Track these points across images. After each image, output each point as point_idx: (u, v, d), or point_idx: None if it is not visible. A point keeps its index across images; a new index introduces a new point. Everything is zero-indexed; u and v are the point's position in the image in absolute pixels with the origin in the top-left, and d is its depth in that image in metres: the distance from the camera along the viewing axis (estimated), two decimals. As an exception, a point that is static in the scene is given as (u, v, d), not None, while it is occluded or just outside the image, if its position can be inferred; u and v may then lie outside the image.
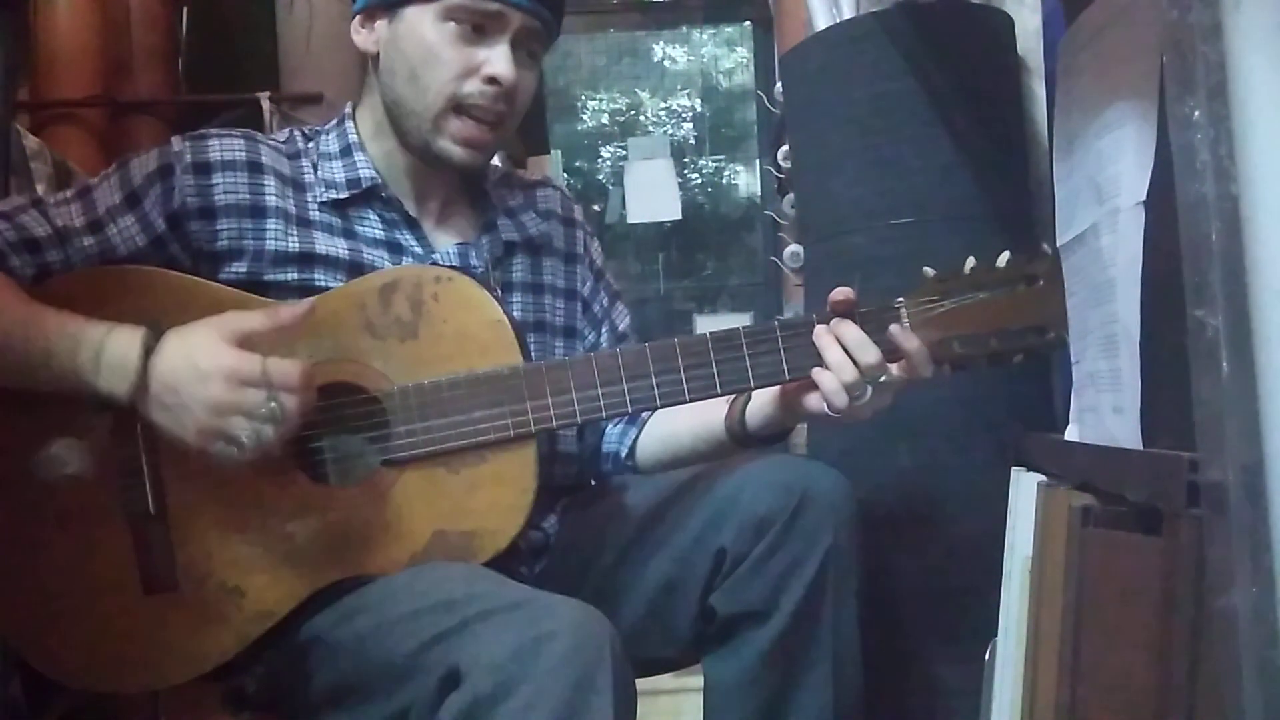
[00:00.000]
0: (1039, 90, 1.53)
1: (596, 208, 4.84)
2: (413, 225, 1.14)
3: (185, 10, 2.60)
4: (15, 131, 1.65)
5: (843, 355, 1.00)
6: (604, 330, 1.27)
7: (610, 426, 1.25)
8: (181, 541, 1.00)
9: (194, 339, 0.94)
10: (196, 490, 0.99)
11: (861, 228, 1.43)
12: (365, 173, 1.12)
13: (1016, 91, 1.52)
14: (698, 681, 1.08)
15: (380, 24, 1.11)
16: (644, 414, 1.24)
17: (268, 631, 1.00)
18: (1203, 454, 0.66)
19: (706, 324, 3.99)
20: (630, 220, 4.01)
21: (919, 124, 1.40)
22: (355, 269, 1.09)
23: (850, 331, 1.01)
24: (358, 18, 1.13)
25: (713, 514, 1.05)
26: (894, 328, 1.02)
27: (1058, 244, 1.07)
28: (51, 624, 1.00)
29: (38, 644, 1.01)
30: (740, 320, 3.82)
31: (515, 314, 1.18)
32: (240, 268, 1.07)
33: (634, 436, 1.24)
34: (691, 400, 1.04)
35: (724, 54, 5.10)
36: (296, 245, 1.08)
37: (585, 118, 5.21)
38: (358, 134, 1.15)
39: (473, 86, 1.07)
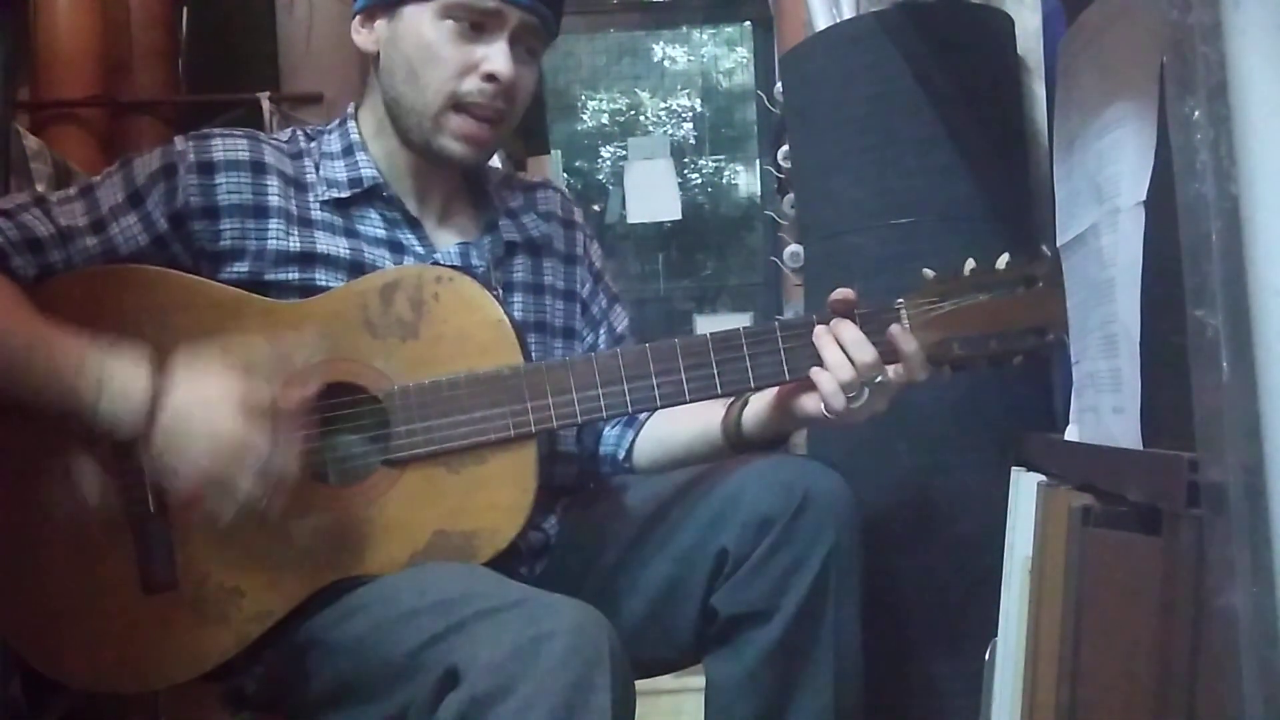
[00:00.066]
0: (1039, 90, 1.53)
1: (596, 208, 4.84)
2: (414, 225, 1.14)
3: (185, 10, 2.60)
4: (15, 131, 1.65)
5: (841, 355, 1.01)
6: (602, 331, 1.27)
7: (608, 429, 1.26)
8: (181, 541, 1.00)
9: (204, 381, 0.93)
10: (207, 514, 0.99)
11: (861, 228, 1.43)
12: (367, 172, 1.13)
13: (1016, 91, 1.52)
14: (698, 681, 1.08)
15: (380, 23, 1.11)
16: (641, 416, 1.24)
17: (267, 631, 1.00)
18: (1203, 454, 0.66)
19: (706, 324, 4.00)
20: (630, 220, 4.01)
21: (919, 124, 1.40)
22: (356, 268, 1.09)
23: (848, 331, 1.01)
24: (358, 18, 1.13)
25: (714, 514, 1.05)
26: (894, 328, 1.02)
27: (1058, 244, 1.07)
28: (51, 624, 1.00)
29: (38, 644, 1.01)
30: (740, 320, 3.82)
31: (516, 314, 1.18)
32: (242, 267, 1.07)
33: (631, 439, 1.24)
34: (692, 400, 1.04)
35: (724, 54, 5.10)
36: (298, 245, 1.08)
37: (585, 118, 5.21)
38: (360, 134, 1.15)
39: (471, 84, 1.07)
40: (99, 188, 1.07)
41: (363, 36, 1.13)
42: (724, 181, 5.13)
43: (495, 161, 1.25)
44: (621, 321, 1.29)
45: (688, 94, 5.16)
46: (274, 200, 1.08)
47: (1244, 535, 0.61)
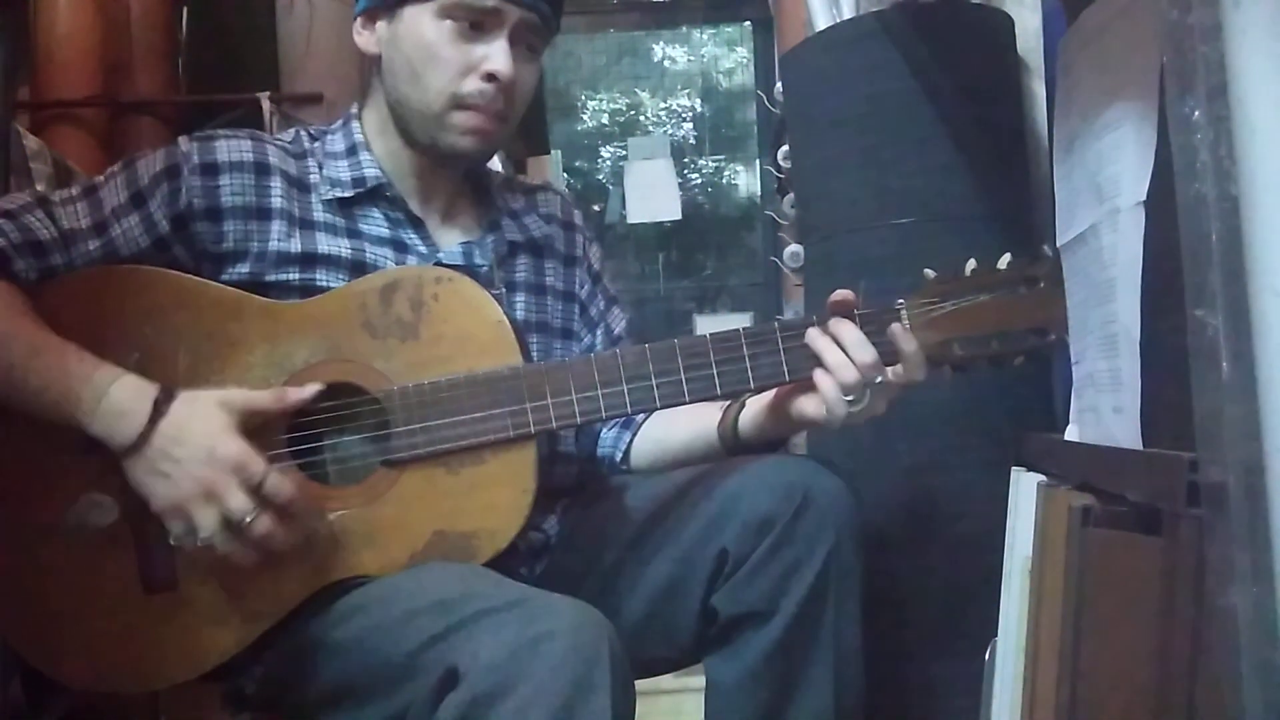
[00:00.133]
0: (1039, 90, 1.53)
1: (596, 208, 4.84)
2: (417, 224, 1.14)
3: (185, 10, 2.60)
4: (15, 131, 1.65)
5: (842, 356, 1.00)
6: (600, 332, 1.27)
7: (605, 430, 1.26)
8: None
9: (205, 412, 0.94)
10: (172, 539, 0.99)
11: (861, 228, 1.43)
12: (370, 172, 1.13)
13: (1016, 91, 1.52)
14: (698, 681, 1.08)
15: (381, 25, 1.11)
16: (639, 418, 1.24)
17: (267, 632, 1.00)
18: (1203, 454, 0.66)
19: (706, 324, 3.99)
20: (630, 220, 4.01)
21: (919, 124, 1.40)
22: (358, 268, 1.09)
23: (848, 332, 1.01)
24: (359, 20, 1.13)
25: (714, 515, 1.05)
26: (894, 327, 1.02)
27: (1058, 244, 1.07)
28: (52, 624, 1.00)
29: (38, 644, 1.01)
30: (740, 320, 3.82)
31: (518, 314, 1.18)
32: (243, 269, 1.07)
33: (628, 440, 1.24)
34: (691, 401, 1.04)
35: (724, 54, 5.10)
36: (299, 246, 1.08)
37: (585, 118, 5.21)
38: (363, 134, 1.15)
39: (473, 85, 1.07)
40: (102, 188, 1.07)
41: (364, 38, 1.13)
42: (724, 181, 5.13)
43: (496, 164, 1.25)
44: (620, 323, 1.29)
45: (688, 94, 5.16)
46: (277, 202, 1.08)
47: (1244, 535, 0.61)
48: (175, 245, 1.06)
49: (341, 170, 1.13)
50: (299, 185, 1.11)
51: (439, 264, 1.11)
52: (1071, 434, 1.07)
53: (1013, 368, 1.07)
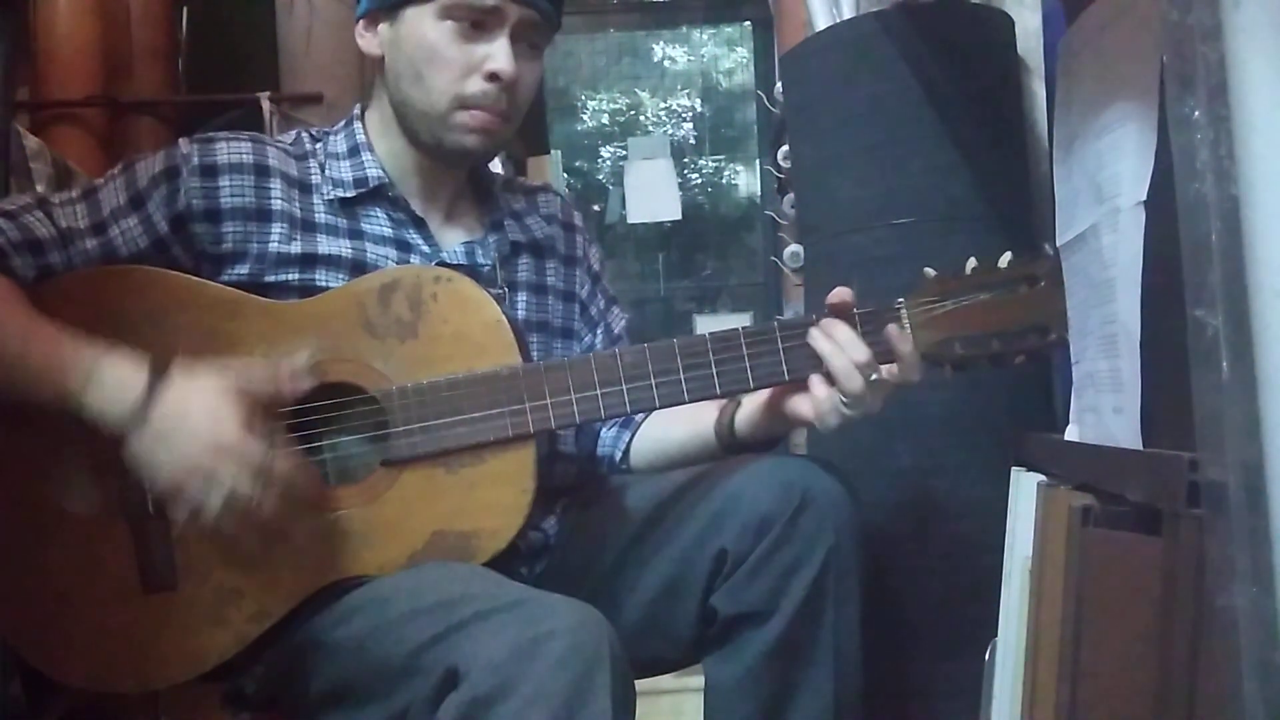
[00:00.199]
0: (1039, 90, 1.53)
1: (596, 208, 4.84)
2: (419, 224, 1.14)
3: (185, 10, 2.60)
4: (15, 131, 1.65)
5: (844, 359, 1.00)
6: (599, 332, 1.28)
7: (604, 430, 1.26)
8: (181, 541, 1.00)
9: (201, 386, 0.94)
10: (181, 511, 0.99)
11: (861, 228, 1.43)
12: (372, 172, 1.13)
13: (1016, 91, 1.52)
14: (698, 681, 1.08)
15: (383, 27, 1.12)
16: (638, 417, 1.25)
17: (267, 632, 1.00)
18: (1203, 454, 0.65)
19: (706, 324, 3.99)
20: (630, 220, 4.01)
21: (919, 124, 1.40)
22: (359, 268, 1.09)
23: (841, 330, 1.01)
24: (361, 22, 1.13)
25: (714, 514, 1.05)
26: (890, 328, 1.02)
27: (1058, 244, 1.07)
28: (51, 623, 1.00)
29: (37, 643, 1.01)
30: (740, 320, 3.82)
31: (520, 314, 1.18)
32: (242, 269, 1.07)
33: (628, 440, 1.25)
34: (690, 401, 1.04)
35: (724, 54, 5.10)
36: (300, 248, 1.08)
37: (585, 118, 5.21)
38: (365, 134, 1.15)
39: (475, 85, 1.07)
40: (101, 190, 1.07)
41: (366, 40, 1.13)
42: (724, 181, 5.13)
43: (496, 164, 1.25)
44: (619, 323, 1.30)
45: (688, 94, 5.16)
46: (277, 204, 1.08)
47: (1244, 535, 0.61)
48: (174, 246, 1.06)
49: (344, 171, 1.13)
50: (300, 186, 1.11)
51: (442, 263, 1.11)
52: (1071, 434, 1.07)
53: (1013, 367, 1.07)
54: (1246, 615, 0.60)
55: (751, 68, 4.52)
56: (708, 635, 1.06)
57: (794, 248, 2.28)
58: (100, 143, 2.28)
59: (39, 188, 1.68)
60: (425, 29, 1.07)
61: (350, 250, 1.10)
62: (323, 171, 1.13)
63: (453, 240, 1.16)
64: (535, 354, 1.14)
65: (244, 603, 0.99)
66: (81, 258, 1.04)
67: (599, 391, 1.02)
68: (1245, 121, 0.61)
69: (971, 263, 1.05)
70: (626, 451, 1.25)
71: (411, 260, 1.11)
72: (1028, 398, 1.37)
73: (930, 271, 1.05)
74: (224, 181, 1.07)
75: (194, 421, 0.92)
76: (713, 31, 4.99)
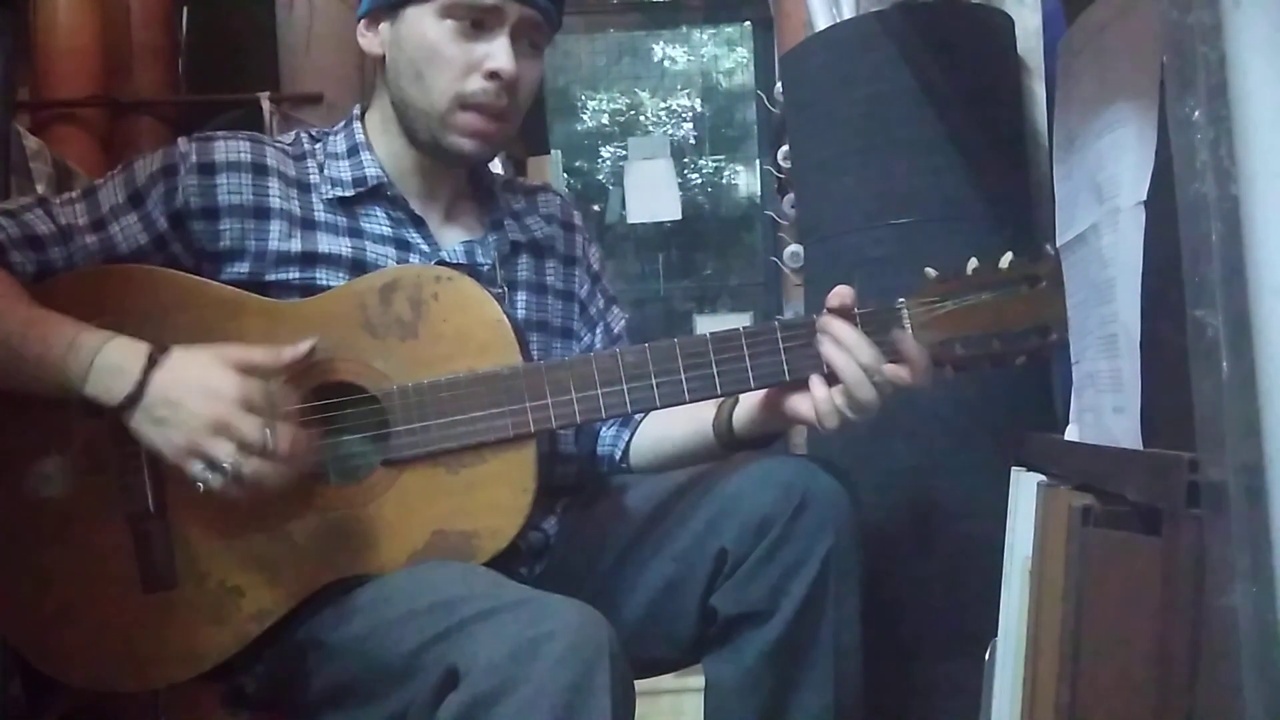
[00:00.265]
0: (1039, 90, 1.53)
1: (596, 208, 4.83)
2: (419, 223, 1.14)
3: (185, 10, 2.60)
4: (15, 131, 1.64)
5: (853, 366, 1.00)
6: (599, 331, 1.28)
7: (604, 429, 1.26)
8: (181, 540, 1.00)
9: (201, 359, 0.94)
10: (196, 489, 0.99)
11: (861, 228, 1.44)
12: (371, 171, 1.13)
13: (1016, 91, 1.52)
14: (698, 681, 1.08)
15: (383, 27, 1.12)
16: (638, 416, 1.25)
17: (267, 631, 1.00)
18: (1203, 454, 0.66)
19: (706, 324, 3.99)
20: (630, 220, 4.00)
21: (919, 124, 1.40)
22: (358, 267, 1.09)
23: (850, 336, 1.01)
24: (362, 22, 1.14)
25: (714, 514, 1.05)
26: (904, 338, 1.01)
27: (1058, 244, 1.07)
28: (51, 622, 1.00)
29: (38, 642, 1.01)
30: (740, 320, 3.81)
31: (519, 313, 1.18)
32: (242, 268, 1.07)
33: (627, 439, 1.25)
34: (691, 401, 1.04)
35: (724, 54, 5.09)
36: (299, 246, 1.08)
37: (585, 118, 5.20)
38: (365, 134, 1.16)
39: (476, 84, 1.07)
40: (101, 189, 1.07)
41: (368, 40, 1.13)
42: (724, 181, 5.13)
43: (496, 164, 1.25)
44: (619, 322, 1.30)
45: (688, 94, 5.16)
46: (275, 202, 1.09)
47: (1244, 535, 0.61)
48: (174, 243, 1.06)
49: (342, 170, 1.13)
50: (298, 186, 1.11)
51: (441, 262, 1.11)
52: (1071, 434, 1.07)
53: (1014, 367, 1.07)
54: (1246, 615, 0.60)
55: (751, 68, 4.51)
56: (708, 635, 1.06)
57: (794, 248, 2.28)
58: (100, 143, 2.28)
59: (39, 188, 1.68)
60: (425, 28, 1.07)
61: (350, 249, 1.10)
62: (321, 171, 1.13)
63: (452, 239, 1.16)
64: (535, 353, 1.15)
65: (244, 602, 0.99)
66: (82, 254, 1.04)
67: (600, 391, 1.02)
68: (1245, 121, 0.61)
69: (973, 263, 1.05)
70: (626, 450, 1.25)
71: (411, 259, 1.12)
72: (1028, 398, 1.37)
73: (931, 271, 1.05)
74: (221, 179, 1.07)
75: (188, 398, 0.92)
76: (713, 31, 4.99)
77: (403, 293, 1.02)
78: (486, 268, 1.16)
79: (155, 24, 2.42)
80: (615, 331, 1.29)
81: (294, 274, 1.07)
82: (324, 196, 1.11)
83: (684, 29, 4.88)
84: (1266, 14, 0.61)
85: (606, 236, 4.63)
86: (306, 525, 1.00)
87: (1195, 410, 0.64)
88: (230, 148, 1.08)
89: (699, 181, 5.06)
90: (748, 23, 4.35)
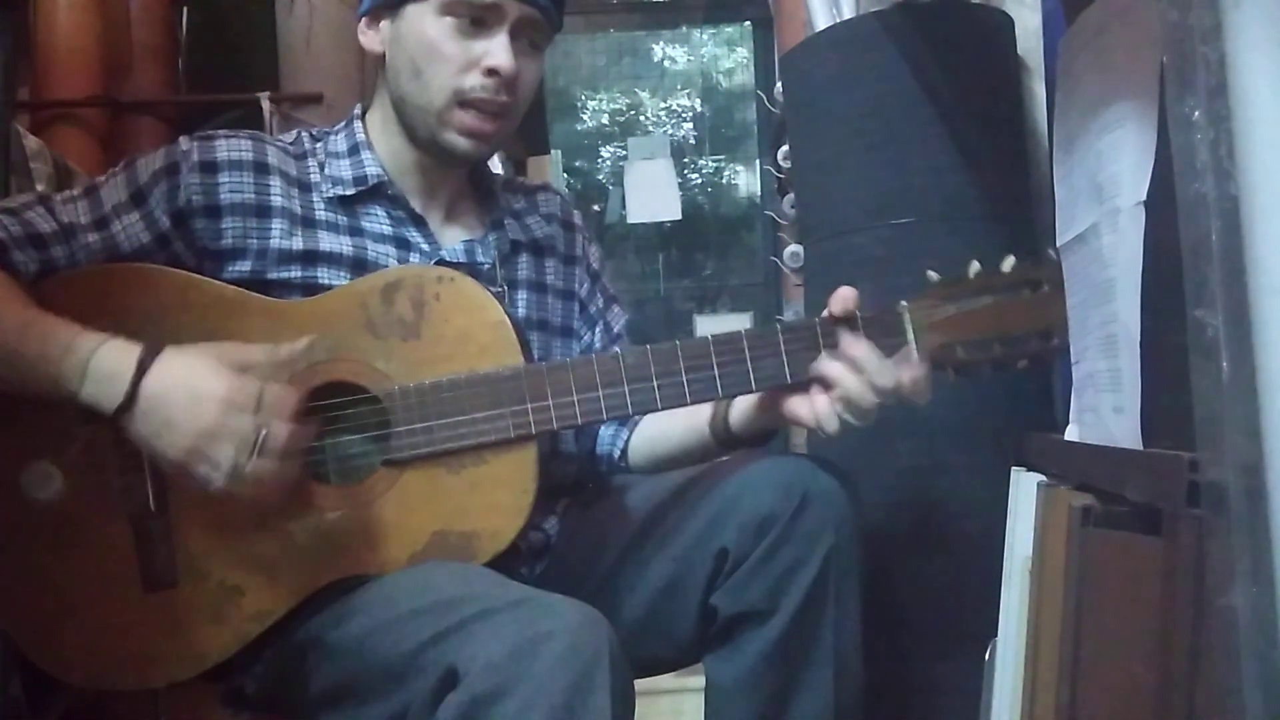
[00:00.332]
0: (1039, 90, 1.53)
1: (596, 208, 4.83)
2: (419, 222, 1.14)
3: (185, 10, 2.60)
4: (15, 131, 1.64)
5: (857, 379, 1.00)
6: (598, 330, 1.28)
7: (603, 428, 1.26)
8: (182, 539, 1.00)
9: (193, 360, 0.94)
10: (197, 488, 0.99)
11: (861, 228, 1.44)
12: (372, 170, 1.13)
13: (1016, 91, 1.52)
14: (698, 681, 1.08)
15: (384, 24, 1.12)
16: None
17: (267, 630, 1.00)
18: (1203, 454, 0.66)
19: (707, 324, 3.98)
20: (630, 220, 4.00)
21: (919, 124, 1.40)
22: (359, 265, 1.09)
23: (858, 349, 1.00)
24: (363, 20, 1.14)
25: (714, 514, 1.05)
26: (903, 355, 1.01)
27: (1058, 244, 1.07)
28: (52, 620, 1.00)
29: (38, 640, 1.01)
30: (740, 320, 3.81)
31: (519, 312, 1.18)
32: (244, 266, 1.07)
33: (626, 437, 1.25)
34: (693, 403, 1.04)
35: (724, 54, 5.09)
36: (301, 244, 1.08)
37: (585, 118, 5.20)
38: (365, 133, 1.16)
39: (474, 80, 1.07)
40: (103, 187, 1.07)
41: (368, 38, 1.14)
42: (724, 181, 5.12)
43: (496, 164, 1.25)
44: (618, 321, 1.30)
45: (688, 94, 5.16)
46: (277, 200, 1.09)
47: (1244, 535, 0.61)
48: (176, 242, 1.06)
49: (343, 169, 1.13)
50: (299, 185, 1.11)
51: (442, 261, 1.12)
52: (1071, 434, 1.07)
53: (1015, 371, 1.07)
54: (1246, 615, 0.60)
55: (751, 68, 4.51)
56: (708, 635, 1.06)
57: (794, 248, 2.28)
58: (100, 143, 2.28)
59: (39, 187, 1.68)
60: (425, 25, 1.08)
61: (351, 247, 1.10)
62: (322, 170, 1.13)
63: (453, 238, 1.16)
64: (535, 351, 1.15)
65: (244, 601, 1.00)
66: (84, 253, 1.04)
67: (601, 392, 1.02)
68: (1245, 121, 0.61)
69: (974, 266, 1.05)
70: (624, 449, 1.25)
71: (411, 258, 1.12)
72: (1028, 398, 1.37)
73: (933, 275, 1.05)
74: (223, 178, 1.07)
75: (178, 405, 0.92)
76: (713, 31, 4.99)
77: (405, 293, 1.02)
78: (487, 267, 1.16)
79: (155, 24, 2.43)
80: (615, 330, 1.29)
81: (295, 272, 1.07)
82: (325, 195, 1.12)
83: (684, 29, 4.88)
84: (1266, 14, 0.61)
85: (606, 236, 4.62)
86: (307, 525, 1.00)
87: (1195, 410, 0.64)
88: (232, 146, 1.09)
89: (699, 181, 5.06)
90: (748, 23, 4.35)
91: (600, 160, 5.15)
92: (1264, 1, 0.61)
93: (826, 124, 1.48)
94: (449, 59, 1.07)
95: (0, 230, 1.00)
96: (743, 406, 1.12)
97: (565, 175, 4.25)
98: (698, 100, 5.13)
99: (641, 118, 5.17)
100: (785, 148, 2.12)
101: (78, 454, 1.00)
